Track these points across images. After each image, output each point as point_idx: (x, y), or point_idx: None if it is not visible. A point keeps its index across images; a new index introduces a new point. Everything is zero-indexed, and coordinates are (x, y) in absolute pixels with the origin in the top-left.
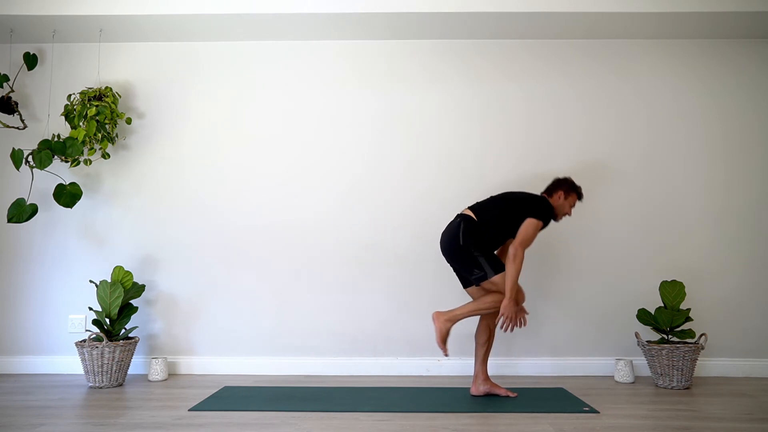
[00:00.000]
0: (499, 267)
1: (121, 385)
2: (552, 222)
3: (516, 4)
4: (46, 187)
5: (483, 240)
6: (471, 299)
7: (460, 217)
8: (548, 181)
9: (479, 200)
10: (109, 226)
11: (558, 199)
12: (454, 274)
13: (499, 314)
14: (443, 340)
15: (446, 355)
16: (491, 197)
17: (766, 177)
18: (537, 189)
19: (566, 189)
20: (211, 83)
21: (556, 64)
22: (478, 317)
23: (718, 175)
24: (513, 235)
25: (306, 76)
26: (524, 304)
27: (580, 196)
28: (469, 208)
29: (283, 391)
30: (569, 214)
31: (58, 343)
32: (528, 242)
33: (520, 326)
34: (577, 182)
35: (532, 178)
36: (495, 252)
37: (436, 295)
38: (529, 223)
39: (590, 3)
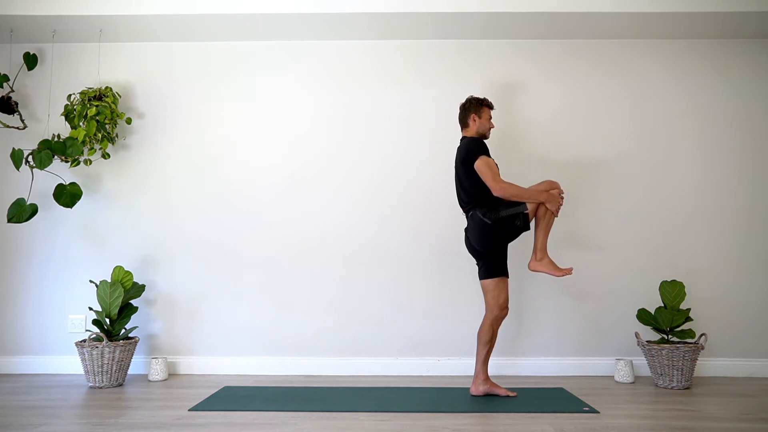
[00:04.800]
0: (519, 202)
1: (121, 385)
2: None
3: (530, 4)
4: (46, 187)
5: (492, 204)
6: (483, 293)
7: (470, 213)
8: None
9: (459, 198)
10: (109, 226)
11: (475, 124)
12: (455, 273)
13: (554, 210)
14: (558, 269)
15: (571, 272)
16: (456, 184)
17: (765, 176)
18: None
19: (474, 110)
20: (211, 83)
21: (558, 64)
22: (482, 317)
23: (719, 175)
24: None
25: (305, 77)
26: (526, 302)
27: (490, 106)
28: (463, 209)
29: (283, 391)
30: (492, 126)
31: (58, 343)
32: (494, 177)
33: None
34: (578, 182)
35: (536, 177)
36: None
37: (437, 295)
38: (480, 169)
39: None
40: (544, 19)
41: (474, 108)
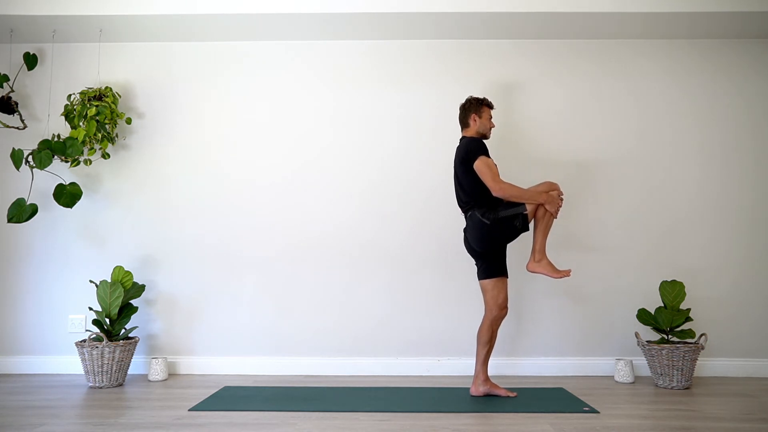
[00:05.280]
0: (518, 203)
1: (121, 385)
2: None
3: (531, 4)
4: (46, 187)
5: (491, 204)
6: (482, 293)
7: (469, 213)
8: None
9: (458, 198)
10: (109, 226)
11: (475, 124)
12: (455, 273)
13: (553, 212)
14: (557, 270)
15: (569, 275)
16: (455, 184)
17: (766, 176)
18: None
19: (475, 109)
20: (210, 83)
21: (557, 65)
22: (482, 317)
23: (719, 175)
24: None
25: (306, 77)
26: (526, 302)
27: (490, 105)
28: (462, 209)
29: (283, 391)
30: (493, 126)
31: (58, 343)
32: (493, 177)
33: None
34: (578, 182)
35: (536, 177)
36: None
37: (437, 294)
38: (479, 170)
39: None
40: (545, 19)
41: (474, 108)
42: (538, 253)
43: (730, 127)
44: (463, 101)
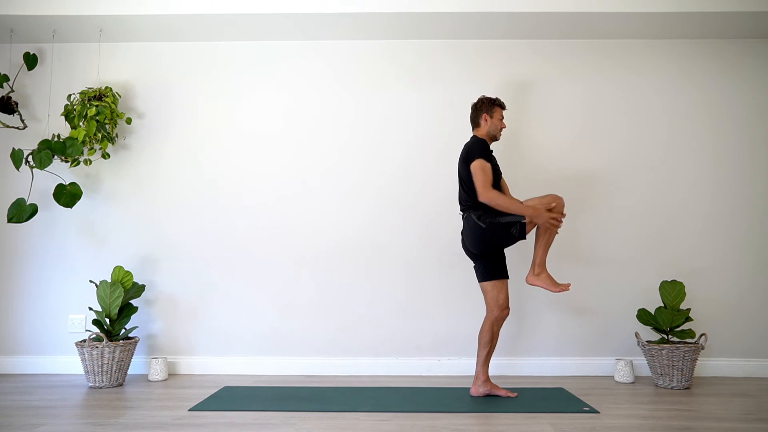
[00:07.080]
0: (516, 213)
1: (121, 385)
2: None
3: (522, 4)
4: (46, 187)
5: (490, 207)
6: (483, 294)
7: (465, 214)
8: (550, 183)
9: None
10: (109, 226)
11: (486, 124)
12: (456, 274)
13: (552, 228)
14: (556, 284)
15: (568, 289)
16: (459, 182)
17: (767, 177)
18: (537, 192)
19: (487, 109)
20: (210, 83)
21: (557, 64)
22: (484, 317)
23: (719, 176)
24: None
25: (305, 76)
26: (527, 303)
27: (502, 106)
28: (461, 209)
29: (283, 391)
30: (504, 126)
31: (58, 343)
32: (484, 182)
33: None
34: (578, 183)
35: (541, 177)
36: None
37: (437, 295)
38: (473, 171)
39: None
40: (561, 19)
41: (486, 107)
42: (538, 266)
43: (733, 127)
44: (475, 100)
